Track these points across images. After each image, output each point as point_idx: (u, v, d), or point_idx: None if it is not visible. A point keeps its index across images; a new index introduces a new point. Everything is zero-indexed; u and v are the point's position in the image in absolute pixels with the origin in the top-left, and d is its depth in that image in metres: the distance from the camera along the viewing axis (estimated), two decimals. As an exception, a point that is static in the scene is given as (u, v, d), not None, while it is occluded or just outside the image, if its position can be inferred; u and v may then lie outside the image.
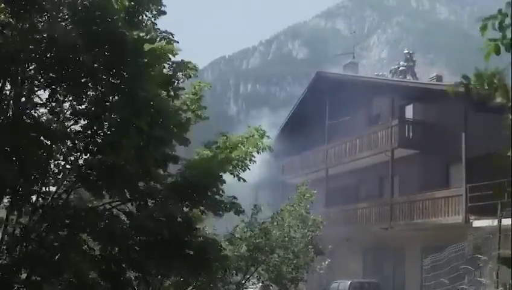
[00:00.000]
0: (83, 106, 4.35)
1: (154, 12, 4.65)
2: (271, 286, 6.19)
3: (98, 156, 4.38)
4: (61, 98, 4.36)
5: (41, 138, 4.24)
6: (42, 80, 4.26)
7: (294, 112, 14.78)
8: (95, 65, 4.09)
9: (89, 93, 4.35)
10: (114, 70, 4.20)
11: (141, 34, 4.45)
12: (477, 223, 8.68)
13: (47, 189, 4.62)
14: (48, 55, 4.08)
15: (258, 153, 5.25)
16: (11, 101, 4.26)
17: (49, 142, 4.33)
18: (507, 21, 1.43)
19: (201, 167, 4.86)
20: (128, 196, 4.72)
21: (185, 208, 4.89)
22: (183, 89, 4.99)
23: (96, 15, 4.03)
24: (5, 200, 4.52)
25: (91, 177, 4.37)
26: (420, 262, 9.78)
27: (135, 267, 4.78)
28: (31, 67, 4.20)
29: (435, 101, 10.33)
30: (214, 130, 5.58)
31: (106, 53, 4.13)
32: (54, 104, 4.32)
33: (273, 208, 6.83)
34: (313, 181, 10.91)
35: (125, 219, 4.84)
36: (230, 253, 5.68)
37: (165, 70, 4.67)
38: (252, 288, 6.65)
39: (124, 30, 4.04)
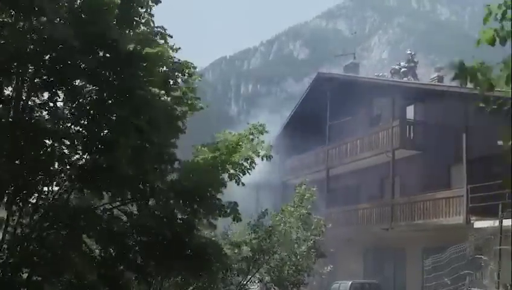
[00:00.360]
0: (81, 107, 4.36)
1: (151, 4, 4.60)
2: (273, 288, 6.17)
3: (96, 156, 4.39)
4: (60, 99, 4.37)
5: (41, 138, 4.25)
6: (41, 80, 4.28)
7: (295, 112, 14.78)
8: (92, 66, 4.10)
9: (86, 94, 4.36)
10: (111, 72, 4.21)
11: (137, 31, 4.43)
12: (478, 224, 8.67)
13: (48, 189, 4.63)
14: (47, 57, 4.10)
15: (259, 157, 5.20)
16: (13, 102, 4.27)
17: (49, 143, 4.34)
18: (509, 13, 1.43)
19: (200, 169, 4.85)
20: (128, 195, 4.72)
21: (184, 212, 4.88)
22: (182, 88, 4.97)
23: (87, 17, 4.03)
24: (6, 200, 4.53)
25: (90, 178, 4.38)
26: (421, 263, 9.79)
27: (135, 268, 4.78)
28: (30, 69, 4.21)
29: (436, 101, 10.32)
30: (215, 130, 5.56)
31: (100, 55, 4.14)
32: (52, 104, 4.33)
33: (273, 209, 6.80)
34: (314, 182, 10.90)
35: (125, 218, 4.85)
36: (230, 252, 5.67)
37: (163, 70, 4.65)
38: (253, 288, 6.63)
39: (115, 33, 4.03)
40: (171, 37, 4.73)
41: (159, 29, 4.66)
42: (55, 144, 4.39)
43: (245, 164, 5.05)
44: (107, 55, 4.19)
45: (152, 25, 4.64)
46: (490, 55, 1.58)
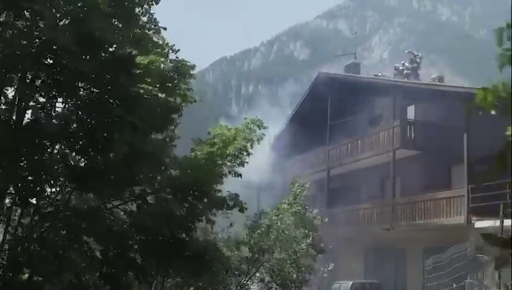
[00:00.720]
0: (78, 108, 4.37)
1: (149, 3, 4.59)
2: (275, 288, 6.16)
3: (93, 154, 4.40)
4: (58, 99, 4.38)
5: (42, 139, 4.26)
6: (41, 83, 4.29)
7: (296, 112, 14.76)
8: (89, 69, 4.12)
9: (82, 94, 4.37)
10: (106, 73, 4.22)
11: (135, 31, 4.42)
12: (479, 224, 8.64)
13: (48, 190, 4.64)
14: (44, 59, 4.11)
15: (251, 146, 5.18)
16: (15, 104, 4.29)
17: (49, 144, 4.36)
18: None
19: (198, 164, 4.84)
20: (127, 194, 4.73)
21: (183, 208, 4.87)
22: (180, 87, 4.96)
23: (81, 17, 4.03)
24: (7, 200, 4.55)
25: (87, 178, 4.39)
26: (422, 263, 9.75)
27: (134, 267, 4.79)
28: (30, 72, 4.23)
29: (436, 101, 10.30)
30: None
31: (96, 57, 4.15)
32: (51, 106, 4.34)
33: (272, 209, 6.78)
34: (315, 182, 10.88)
35: (125, 218, 4.85)
36: (230, 253, 5.66)
37: (161, 68, 4.64)
38: (253, 289, 6.62)
39: (109, 33, 4.03)
40: (165, 29, 4.70)
41: (152, 25, 4.63)
42: (55, 145, 4.40)
43: (241, 155, 5.02)
44: (103, 55, 4.19)
45: (151, 23, 4.63)
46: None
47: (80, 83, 4.29)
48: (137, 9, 4.57)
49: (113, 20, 4.27)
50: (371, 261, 11.72)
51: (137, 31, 4.63)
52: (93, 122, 4.23)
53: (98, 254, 4.86)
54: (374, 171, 11.99)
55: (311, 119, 13.05)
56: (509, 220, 7.50)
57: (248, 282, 6.03)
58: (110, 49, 4.24)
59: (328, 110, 12.97)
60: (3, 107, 4.34)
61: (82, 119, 4.29)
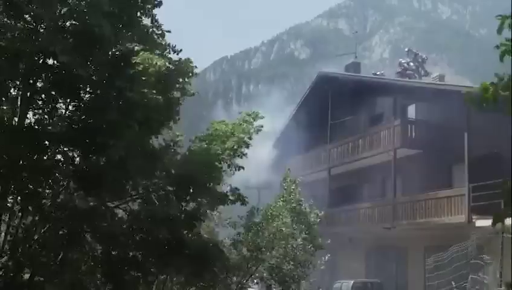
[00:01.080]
0: (78, 110, 4.38)
1: (150, 6, 4.59)
2: (274, 286, 6.15)
3: (91, 158, 4.41)
4: (60, 101, 4.39)
5: (43, 140, 4.27)
6: (41, 85, 4.30)
7: (297, 112, 14.75)
8: (89, 72, 4.12)
9: (83, 96, 4.38)
10: (104, 75, 4.22)
11: (135, 31, 4.42)
12: (480, 222, 8.63)
13: (49, 190, 4.65)
14: (45, 61, 4.12)
15: (250, 138, 5.17)
16: (17, 104, 4.30)
17: (49, 144, 4.37)
18: None
19: (197, 159, 4.82)
20: (127, 194, 4.73)
21: (184, 204, 4.86)
22: (182, 87, 4.96)
23: (79, 16, 4.02)
24: (8, 201, 4.55)
25: (86, 179, 4.40)
26: (423, 262, 9.74)
27: (135, 266, 4.79)
28: (31, 73, 4.24)
29: (437, 100, 10.28)
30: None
31: (95, 58, 4.16)
32: (51, 107, 4.36)
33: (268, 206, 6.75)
34: (316, 181, 10.88)
35: (126, 217, 4.85)
36: (232, 255, 5.66)
37: (161, 66, 4.63)
38: (254, 288, 6.63)
39: (107, 31, 4.01)
40: (169, 32, 4.70)
41: (158, 34, 4.65)
42: (57, 147, 4.41)
43: (239, 148, 4.99)
44: (103, 57, 4.20)
45: (153, 24, 4.63)
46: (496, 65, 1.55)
47: (81, 85, 4.30)
48: (138, 13, 4.57)
49: (115, 20, 4.27)
50: (372, 261, 11.70)
51: (140, 32, 4.62)
52: (91, 125, 4.24)
53: (99, 253, 4.86)
54: (375, 170, 11.96)
55: (312, 119, 13.04)
56: (510, 219, 7.47)
57: (248, 281, 6.03)
58: (111, 50, 4.23)
59: (329, 109, 12.95)
60: (5, 107, 4.35)
61: (82, 121, 4.30)
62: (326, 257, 6.88)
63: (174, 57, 4.77)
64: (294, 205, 6.67)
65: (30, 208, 4.49)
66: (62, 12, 4.14)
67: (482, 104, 1.42)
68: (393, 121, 11.22)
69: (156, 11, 4.66)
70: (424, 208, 9.97)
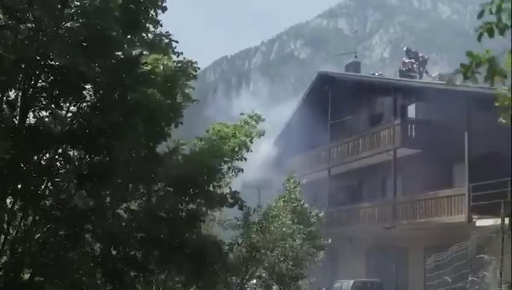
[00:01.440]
0: (81, 110, 4.40)
1: (155, 13, 4.65)
2: (273, 285, 6.15)
3: (94, 157, 4.43)
4: (61, 101, 4.40)
5: (44, 140, 4.28)
6: (42, 84, 4.31)
7: (297, 111, 14.75)
8: (92, 73, 4.14)
9: (86, 97, 4.40)
10: (110, 76, 4.24)
11: (142, 35, 4.46)
12: (480, 222, 8.64)
13: (50, 190, 4.66)
14: (46, 63, 4.13)
15: (251, 141, 5.19)
16: (17, 105, 4.31)
17: (51, 144, 4.37)
18: (505, 5, 1.46)
19: (197, 160, 4.84)
20: (127, 194, 4.74)
21: (183, 205, 4.88)
22: (182, 87, 4.97)
23: (89, 19, 4.06)
24: (8, 201, 4.56)
25: (89, 178, 4.41)
26: (423, 261, 9.73)
27: (135, 265, 4.79)
28: (32, 74, 4.24)
29: (437, 100, 10.28)
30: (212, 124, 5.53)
31: (101, 60, 4.17)
32: (54, 107, 4.36)
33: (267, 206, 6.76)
34: (316, 181, 10.87)
35: (126, 216, 4.85)
36: (231, 257, 5.66)
37: (166, 66, 4.67)
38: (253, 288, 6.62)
39: (118, 36, 4.06)
40: (177, 42, 4.76)
41: (163, 37, 4.69)
42: (58, 146, 4.42)
43: (240, 150, 5.02)
44: (111, 59, 4.22)
45: (157, 29, 4.67)
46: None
47: (85, 85, 4.31)
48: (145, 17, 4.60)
49: (124, 24, 4.30)
50: (372, 260, 11.69)
51: (146, 36, 4.65)
52: (94, 125, 4.24)
53: (99, 253, 4.86)
54: (375, 170, 11.96)
55: (312, 118, 13.03)
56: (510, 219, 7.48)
57: (247, 281, 6.03)
58: (118, 53, 4.25)
59: (329, 109, 12.93)
60: (5, 106, 4.35)
61: (86, 121, 4.30)
62: (321, 253, 6.85)
63: (176, 58, 4.80)
64: (295, 205, 6.66)
65: (30, 208, 4.49)
66: (64, 13, 4.16)
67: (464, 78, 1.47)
68: (394, 121, 11.20)
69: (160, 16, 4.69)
70: (424, 207, 9.96)
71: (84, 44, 4.07)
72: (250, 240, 5.89)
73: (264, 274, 6.06)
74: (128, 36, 4.45)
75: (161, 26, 4.70)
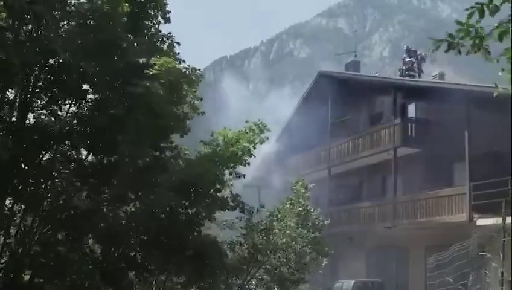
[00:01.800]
0: (84, 108, 4.40)
1: (159, 20, 4.70)
2: (273, 288, 6.12)
3: (98, 154, 4.43)
4: (61, 101, 4.40)
5: (43, 139, 4.27)
6: (43, 83, 4.31)
7: (297, 111, 14.73)
8: (93, 73, 4.14)
9: (89, 97, 4.41)
10: (116, 78, 4.25)
11: (145, 39, 4.48)
12: (481, 221, 8.62)
13: (50, 190, 4.64)
14: (48, 62, 4.14)
15: (254, 148, 5.23)
16: (16, 104, 4.30)
17: (52, 144, 4.36)
18: None
19: (200, 165, 4.86)
20: (129, 193, 4.74)
21: (184, 208, 4.88)
22: (187, 96, 5.02)
23: (95, 24, 4.07)
24: (8, 201, 4.55)
25: (92, 177, 4.41)
26: (424, 261, 9.71)
27: (136, 266, 4.78)
28: (32, 74, 4.24)
29: (437, 99, 10.27)
30: (216, 129, 5.57)
31: (104, 64, 4.20)
32: (54, 106, 4.36)
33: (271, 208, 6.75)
34: (316, 181, 10.84)
35: (126, 217, 4.85)
36: (231, 258, 5.64)
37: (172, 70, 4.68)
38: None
39: (124, 41, 4.09)
40: (179, 44, 4.80)
41: (165, 38, 4.73)
42: (58, 146, 4.41)
43: (243, 156, 5.05)
44: (113, 63, 4.25)
45: (159, 33, 4.70)
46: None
47: (86, 85, 4.31)
48: (148, 23, 4.63)
49: (130, 29, 4.33)
50: (373, 260, 11.66)
51: (149, 40, 4.69)
52: (98, 122, 4.23)
53: (99, 254, 4.85)
54: (375, 169, 11.95)
55: (312, 118, 13.02)
56: (511, 218, 7.46)
57: (248, 283, 6.01)
58: (121, 56, 4.27)
59: (329, 108, 12.91)
60: (5, 106, 4.34)
61: (88, 120, 4.30)
62: (324, 262, 6.84)
63: (179, 65, 4.84)
64: (300, 209, 6.63)
65: (30, 208, 4.48)
66: (66, 11, 4.15)
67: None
68: (394, 120, 11.16)
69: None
70: (424, 207, 9.94)
71: (88, 46, 4.06)
72: (252, 241, 5.85)
73: (265, 276, 6.03)
74: (132, 37, 4.46)
75: (166, 22, 4.71)
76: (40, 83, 4.38)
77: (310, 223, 6.71)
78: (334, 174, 12.76)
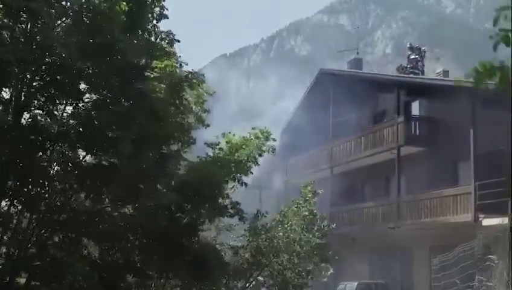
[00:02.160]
0: (81, 108, 4.31)
1: (155, 16, 4.60)
2: None
3: (98, 155, 4.34)
4: (58, 101, 4.31)
5: (40, 139, 4.18)
6: (39, 83, 4.22)
7: (298, 110, 14.59)
8: (91, 72, 4.05)
9: (85, 97, 4.31)
10: (115, 79, 4.16)
11: (144, 37, 4.39)
12: (487, 221, 8.48)
13: (47, 191, 4.56)
14: (44, 61, 4.04)
15: (260, 155, 5.16)
16: (11, 104, 4.21)
17: (49, 144, 4.27)
18: None
19: (203, 169, 4.77)
20: (128, 196, 4.65)
21: (184, 213, 4.79)
22: (186, 99, 4.94)
23: (92, 24, 3.99)
24: (4, 203, 4.47)
25: (91, 178, 4.32)
26: (429, 262, 9.60)
27: (134, 270, 4.70)
28: (27, 73, 4.15)
29: (441, 96, 10.09)
30: (216, 129, 5.48)
31: (103, 62, 4.11)
32: (50, 106, 4.27)
33: (275, 210, 6.65)
34: (317, 181, 10.74)
35: (125, 220, 4.76)
36: (232, 261, 5.56)
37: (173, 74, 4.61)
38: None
39: (122, 42, 4.00)
40: (179, 41, 4.72)
41: (166, 33, 4.64)
42: (55, 146, 4.32)
43: (248, 163, 4.99)
44: (112, 63, 4.16)
45: (158, 31, 4.61)
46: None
47: (83, 85, 4.22)
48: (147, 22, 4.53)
49: (128, 30, 4.23)
50: (376, 261, 11.54)
51: (148, 37, 4.60)
52: (98, 120, 4.13)
53: (96, 256, 4.77)
54: (378, 168, 11.80)
55: (313, 117, 12.86)
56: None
57: (250, 286, 5.92)
58: (120, 56, 4.17)
59: (331, 107, 12.75)
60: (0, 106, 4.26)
61: (87, 120, 4.20)
62: (329, 272, 6.73)
63: (180, 67, 4.75)
64: (306, 213, 6.52)
65: (27, 210, 4.40)
66: (62, 7, 4.06)
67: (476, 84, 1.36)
68: (397, 118, 10.99)
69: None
70: (429, 207, 9.80)
71: (85, 44, 3.97)
72: (256, 244, 5.76)
73: (267, 279, 5.93)
74: (130, 36, 4.37)
75: (164, 18, 4.62)
76: (36, 83, 4.29)
77: (315, 228, 6.58)
78: (337, 173, 12.61)
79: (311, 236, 6.41)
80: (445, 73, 12.84)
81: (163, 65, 4.30)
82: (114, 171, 4.28)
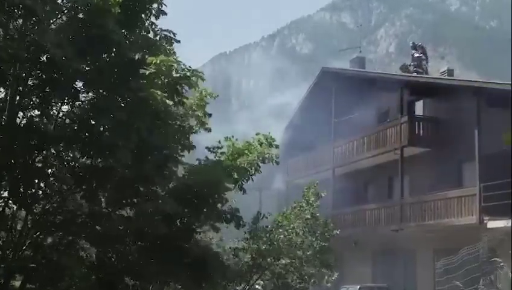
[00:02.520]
0: (78, 109, 4.22)
1: (153, 12, 4.48)
2: None
3: (94, 158, 4.24)
4: (54, 101, 4.21)
5: (35, 140, 4.09)
6: (34, 82, 4.13)
7: (299, 109, 14.45)
8: (87, 70, 3.95)
9: (82, 96, 4.22)
10: (111, 75, 4.05)
11: (141, 34, 4.29)
12: (492, 224, 8.38)
13: (42, 192, 4.47)
14: (39, 59, 3.95)
15: (263, 162, 5.05)
16: (6, 103, 4.12)
17: (43, 145, 4.18)
18: None
19: (204, 173, 4.67)
20: (126, 198, 4.56)
21: (182, 217, 4.70)
22: (187, 98, 4.83)
23: (87, 18, 3.89)
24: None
25: (86, 180, 4.22)
26: (432, 265, 9.48)
27: (132, 273, 4.61)
28: (22, 71, 4.06)
29: (446, 96, 9.92)
30: (215, 129, 5.36)
31: (100, 58, 4.00)
32: (46, 105, 4.17)
33: (276, 212, 6.54)
34: (319, 182, 10.61)
35: (123, 222, 4.68)
36: (232, 263, 5.46)
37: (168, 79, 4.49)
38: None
39: (117, 36, 3.90)
40: (179, 42, 4.60)
41: (165, 33, 4.53)
42: (51, 147, 4.24)
43: (250, 169, 4.89)
44: (108, 59, 4.05)
45: (156, 30, 4.51)
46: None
47: (80, 84, 4.13)
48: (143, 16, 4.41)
49: (124, 25, 4.12)
50: (379, 264, 11.42)
51: (146, 34, 4.49)
52: (96, 125, 4.04)
53: (94, 259, 4.69)
54: (381, 169, 11.68)
55: (315, 116, 12.72)
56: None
57: (250, 288, 5.82)
58: (121, 53, 4.07)
59: (333, 106, 12.61)
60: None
61: (85, 121, 4.11)
62: (333, 278, 6.61)
63: (178, 66, 4.63)
64: (308, 216, 6.40)
65: (22, 211, 4.33)
66: (58, 3, 3.97)
67: None
68: (400, 118, 10.84)
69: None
70: (433, 209, 9.67)
71: (80, 41, 3.87)
72: (257, 246, 5.67)
73: (271, 285, 5.83)
74: (126, 32, 4.26)
75: (163, 15, 4.50)
76: (31, 82, 4.20)
77: (318, 233, 6.45)
78: (338, 175, 12.46)
79: (313, 239, 6.29)
80: (450, 72, 12.68)
81: (158, 61, 4.17)
82: (111, 173, 4.19)
